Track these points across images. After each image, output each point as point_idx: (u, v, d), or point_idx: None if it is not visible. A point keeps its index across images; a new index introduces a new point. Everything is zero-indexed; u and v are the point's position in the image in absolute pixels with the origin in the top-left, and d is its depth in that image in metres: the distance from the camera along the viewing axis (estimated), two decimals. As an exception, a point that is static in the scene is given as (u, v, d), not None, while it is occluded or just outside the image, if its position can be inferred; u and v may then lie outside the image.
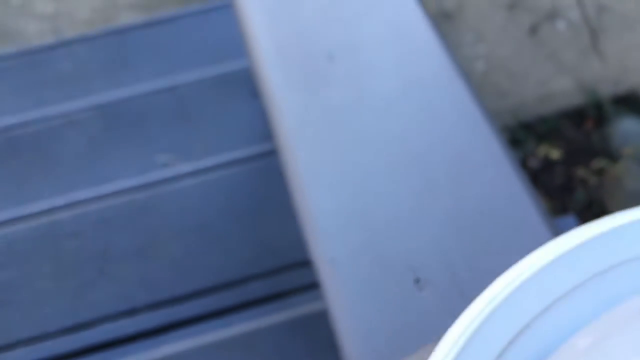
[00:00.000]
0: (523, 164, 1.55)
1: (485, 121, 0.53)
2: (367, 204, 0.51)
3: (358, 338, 0.45)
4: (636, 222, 0.24)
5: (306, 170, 0.53)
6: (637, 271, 0.23)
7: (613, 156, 1.54)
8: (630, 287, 0.22)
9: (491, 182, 0.50)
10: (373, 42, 0.60)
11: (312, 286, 1.01)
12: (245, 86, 1.26)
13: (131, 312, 1.03)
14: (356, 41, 0.60)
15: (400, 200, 0.51)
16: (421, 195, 0.50)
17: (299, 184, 0.52)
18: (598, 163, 1.53)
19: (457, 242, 0.48)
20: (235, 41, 1.33)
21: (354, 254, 0.49)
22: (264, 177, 1.15)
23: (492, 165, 0.51)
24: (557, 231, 0.48)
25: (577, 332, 0.21)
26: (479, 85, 1.62)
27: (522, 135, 1.58)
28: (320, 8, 0.63)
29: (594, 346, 0.20)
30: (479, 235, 0.48)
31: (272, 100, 0.59)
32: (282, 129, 0.57)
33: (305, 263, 1.05)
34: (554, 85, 1.61)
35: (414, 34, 0.60)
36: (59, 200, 1.12)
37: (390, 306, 0.46)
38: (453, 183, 0.51)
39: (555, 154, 1.55)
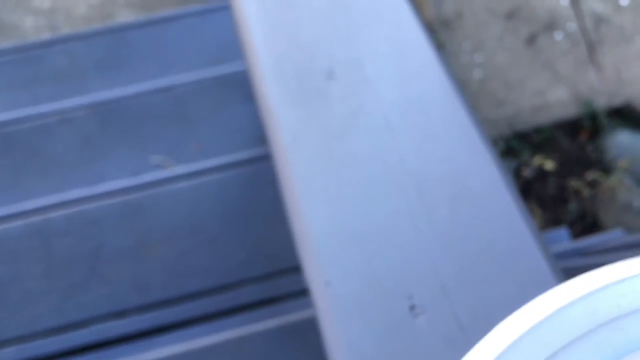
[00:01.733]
0: (517, 174, 1.55)
1: (483, 144, 0.53)
2: (364, 226, 0.50)
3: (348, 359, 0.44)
4: None
5: (301, 186, 0.52)
6: None
7: (607, 168, 1.54)
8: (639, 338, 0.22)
9: (489, 209, 0.50)
10: (373, 60, 0.59)
11: (304, 293, 1.01)
12: (241, 89, 1.26)
13: (122, 313, 1.02)
14: (356, 58, 0.60)
15: (396, 221, 0.50)
16: (419, 219, 0.50)
17: (293, 201, 0.52)
18: (592, 175, 1.53)
19: (453, 269, 0.47)
20: (232, 44, 1.32)
21: (349, 278, 0.48)
22: (258, 182, 1.14)
23: (490, 192, 0.51)
24: (552, 257, 0.48)
25: None
26: (475, 94, 1.62)
27: (517, 145, 1.58)
28: (321, 22, 0.63)
29: None
30: (476, 264, 0.47)
31: (269, 113, 0.59)
32: (278, 143, 0.57)
33: (297, 269, 1.04)
34: (550, 96, 1.62)
35: (413, 52, 0.60)
36: (52, 199, 1.11)
37: (384, 332, 0.45)
38: (451, 208, 0.50)
39: (549, 164, 1.55)
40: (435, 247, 0.49)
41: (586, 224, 1.49)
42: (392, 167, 0.53)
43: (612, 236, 1.22)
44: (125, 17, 1.68)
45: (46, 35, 1.66)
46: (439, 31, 1.62)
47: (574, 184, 1.53)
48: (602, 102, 1.60)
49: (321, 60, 0.60)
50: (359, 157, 0.54)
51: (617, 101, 1.60)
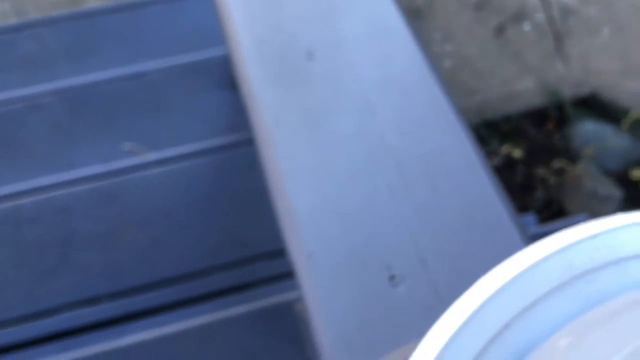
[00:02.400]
0: (486, 162, 1.58)
1: (459, 122, 0.54)
2: (345, 200, 0.52)
3: (333, 331, 0.46)
4: (622, 226, 0.25)
5: (284, 165, 0.53)
6: (618, 273, 0.24)
7: (573, 157, 1.57)
8: (611, 289, 0.23)
9: (464, 183, 0.52)
10: (352, 40, 0.61)
11: (275, 278, 1.02)
12: (213, 76, 1.25)
13: (92, 300, 1.02)
14: (335, 39, 0.61)
15: (376, 196, 0.52)
16: (397, 193, 0.51)
17: (277, 179, 0.53)
18: (558, 163, 1.56)
19: (431, 241, 0.49)
20: (205, 30, 1.32)
21: (331, 249, 0.49)
22: (230, 169, 1.15)
23: (465, 166, 0.52)
24: (524, 231, 0.49)
25: (558, 331, 0.22)
26: (446, 83, 1.64)
27: (486, 133, 1.60)
28: (301, 4, 0.63)
29: (575, 344, 0.21)
30: (453, 236, 0.49)
31: (250, 95, 0.59)
32: (260, 124, 0.57)
33: (268, 255, 1.05)
34: (518, 85, 1.64)
35: (391, 32, 0.61)
36: (21, 186, 1.10)
37: (365, 301, 0.47)
38: (428, 182, 0.52)
39: (517, 152, 1.58)
40: (413, 220, 0.50)
41: (552, 211, 1.52)
42: (372, 145, 0.54)
43: (577, 220, 1.25)
44: (94, 1, 1.66)
45: (12, 21, 1.64)
46: (411, 20, 1.63)
47: (541, 171, 1.56)
48: (569, 92, 1.63)
49: (301, 41, 0.61)
50: (340, 135, 0.55)
51: (583, 91, 1.63)
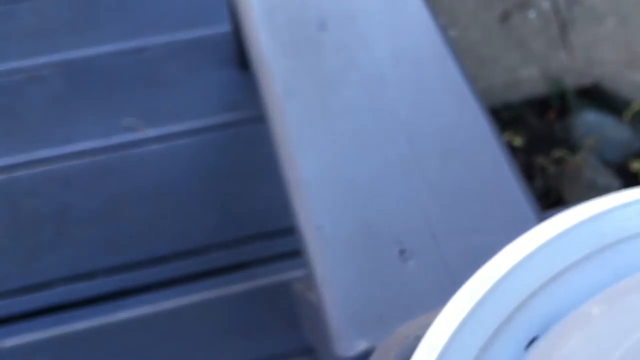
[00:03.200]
0: (486, 149, 1.57)
1: (473, 97, 0.53)
2: (355, 173, 0.51)
3: (341, 305, 0.45)
4: None
5: (294, 137, 0.52)
6: None
7: (573, 147, 1.57)
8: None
9: (478, 159, 0.51)
10: (365, 12, 0.59)
11: (273, 258, 1.01)
12: (215, 54, 1.24)
13: (88, 275, 1.01)
14: (348, 10, 0.60)
15: (388, 170, 0.51)
16: (409, 167, 0.50)
17: (286, 151, 0.52)
18: (558, 152, 1.56)
19: (442, 217, 0.48)
20: (206, 7, 1.30)
21: (341, 222, 0.49)
22: (230, 147, 1.14)
23: (479, 143, 0.51)
24: (537, 209, 0.49)
25: (589, 299, 0.21)
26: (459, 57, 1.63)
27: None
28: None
29: (608, 312, 0.21)
30: (465, 212, 0.48)
31: (261, 64, 0.58)
32: (270, 94, 0.56)
33: (267, 234, 1.04)
34: (521, 73, 1.63)
35: (405, 5, 0.60)
36: (18, 158, 1.09)
37: (374, 275, 0.46)
38: (440, 157, 0.51)
39: (517, 141, 1.57)
40: (425, 195, 0.49)
41: (551, 200, 1.52)
42: (384, 118, 0.53)
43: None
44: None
45: (13, -9, 1.61)
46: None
47: (541, 160, 1.55)
48: (571, 81, 1.62)
49: (313, 10, 0.59)
50: (352, 107, 0.54)
51: (586, 81, 1.62)
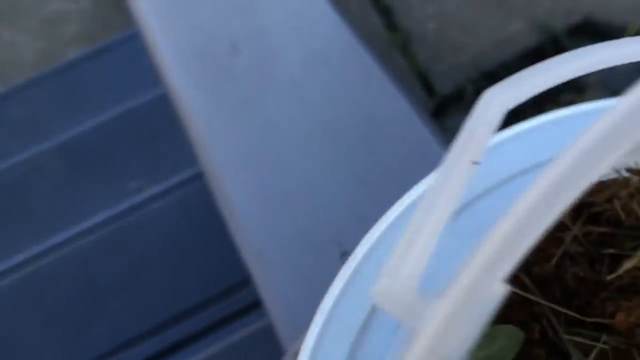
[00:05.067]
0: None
1: (389, 80, 0.53)
2: (286, 187, 0.51)
3: (291, 324, 0.45)
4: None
5: (222, 170, 0.52)
6: None
7: (580, 88, 1.53)
8: None
9: (399, 135, 0.50)
10: (274, 26, 0.59)
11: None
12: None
13: (128, 343, 1.03)
14: (258, 28, 0.59)
15: (317, 175, 0.50)
16: (338, 166, 0.50)
17: (217, 182, 0.52)
18: (566, 96, 1.52)
19: (371, 204, 0.47)
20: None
21: (280, 241, 0.48)
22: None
23: (399, 120, 0.50)
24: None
25: None
26: (434, 44, 1.61)
27: (486, 84, 1.57)
28: (218, 1, 0.62)
29: None
30: (391, 191, 0.47)
31: (180, 104, 0.59)
32: (193, 130, 0.57)
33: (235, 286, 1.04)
34: (508, 29, 1.60)
35: (311, 11, 0.59)
36: (35, 249, 1.11)
37: (317, 285, 0.46)
38: (366, 147, 0.50)
39: (522, 97, 1.54)
40: (355, 189, 0.49)
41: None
42: (305, 124, 0.53)
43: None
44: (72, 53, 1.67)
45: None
46: (384, -9, 1.61)
47: (549, 107, 1.52)
48: (560, 24, 1.58)
49: (223, 36, 0.59)
50: (272, 122, 0.54)
51: (575, 18, 1.58)
